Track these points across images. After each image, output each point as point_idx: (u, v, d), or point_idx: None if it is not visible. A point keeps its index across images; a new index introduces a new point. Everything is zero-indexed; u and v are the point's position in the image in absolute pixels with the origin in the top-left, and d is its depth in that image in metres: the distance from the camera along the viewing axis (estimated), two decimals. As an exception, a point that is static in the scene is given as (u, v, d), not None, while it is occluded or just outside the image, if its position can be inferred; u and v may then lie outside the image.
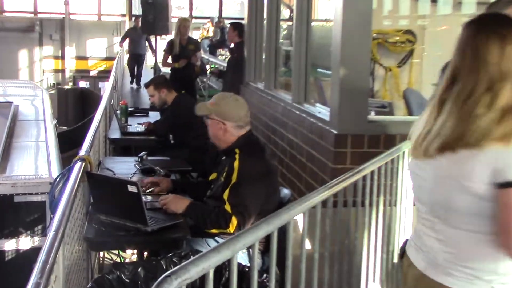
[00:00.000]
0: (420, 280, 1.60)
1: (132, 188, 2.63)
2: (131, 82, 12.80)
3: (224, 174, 2.98)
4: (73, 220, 2.53)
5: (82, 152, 3.11)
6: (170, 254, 2.44)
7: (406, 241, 1.77)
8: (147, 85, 5.32)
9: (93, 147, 3.54)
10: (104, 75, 20.71)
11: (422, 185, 1.62)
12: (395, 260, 2.95)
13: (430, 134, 1.56)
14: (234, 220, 2.80)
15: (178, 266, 1.22)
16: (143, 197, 2.73)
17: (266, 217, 1.63)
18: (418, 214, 1.70)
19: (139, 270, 2.36)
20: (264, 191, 2.90)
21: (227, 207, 2.82)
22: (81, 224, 2.83)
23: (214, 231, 2.87)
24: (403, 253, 1.75)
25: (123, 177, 3.49)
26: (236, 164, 2.91)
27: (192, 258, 1.28)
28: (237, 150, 2.98)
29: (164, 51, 7.58)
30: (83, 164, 2.89)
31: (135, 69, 12.85)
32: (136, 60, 12.69)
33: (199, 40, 9.28)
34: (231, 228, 2.80)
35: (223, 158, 3.16)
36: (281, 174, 5.16)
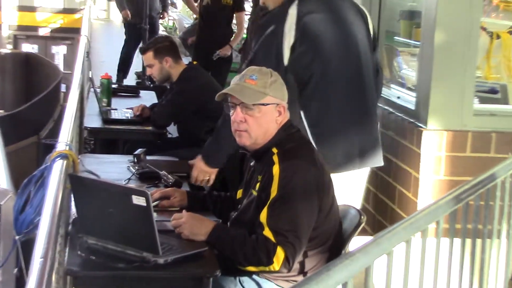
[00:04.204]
0: None
1: (139, 200, 2.67)
2: (122, 76, 10.70)
3: (258, 186, 3.03)
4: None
5: (60, 146, 3.18)
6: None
7: None
8: (144, 50, 5.37)
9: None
10: (60, 35, 20.80)
11: None
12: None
13: None
14: (280, 252, 2.83)
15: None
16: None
17: (363, 246, 1.69)
18: None
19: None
20: (318, 207, 2.95)
21: (268, 233, 2.86)
22: (60, 249, 2.89)
23: (251, 268, 2.91)
24: None
25: (127, 184, 3.55)
26: (275, 169, 2.94)
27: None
28: (274, 150, 3.03)
29: None
30: (66, 163, 2.95)
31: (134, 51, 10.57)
32: (139, 34, 10.42)
33: None
34: (276, 265, 2.83)
35: (252, 163, 3.21)
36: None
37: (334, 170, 3.38)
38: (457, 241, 3.03)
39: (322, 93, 3.58)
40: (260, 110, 3.02)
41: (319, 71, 3.59)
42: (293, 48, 3.56)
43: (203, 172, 3.94)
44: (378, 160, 3.80)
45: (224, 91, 3.10)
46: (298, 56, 3.57)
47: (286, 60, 3.56)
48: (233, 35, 8.68)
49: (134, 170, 3.97)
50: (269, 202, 2.91)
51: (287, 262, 2.84)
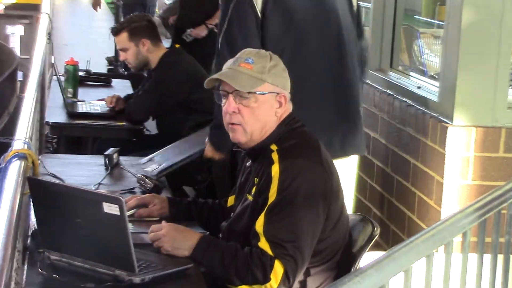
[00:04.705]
0: None
1: (111, 208, 2.68)
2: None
3: (254, 190, 3.05)
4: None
5: (18, 144, 3.18)
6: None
7: None
8: (117, 31, 5.39)
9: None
10: (16, 13, 20.78)
11: None
12: None
13: None
14: (278, 268, 2.84)
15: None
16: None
17: (376, 261, 1.71)
18: None
19: None
20: (324, 215, 2.97)
21: (264, 245, 2.88)
22: (17, 267, 2.89)
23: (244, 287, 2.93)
24: None
25: (97, 190, 3.56)
26: (275, 169, 2.96)
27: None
28: (273, 147, 3.05)
29: None
30: (24, 164, 2.96)
31: None
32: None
33: None
34: (274, 282, 2.85)
35: (248, 163, 3.23)
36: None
37: None
38: (487, 257, 3.05)
39: (296, 69, 3.61)
40: (257, 100, 3.03)
41: (292, 45, 3.68)
42: (263, 14, 3.68)
43: (215, 156, 4.12)
44: (361, 149, 3.97)
45: (214, 76, 3.10)
46: (269, 25, 3.66)
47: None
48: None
49: (106, 173, 4.00)
50: (266, 208, 2.92)
51: (287, 279, 2.85)
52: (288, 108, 3.12)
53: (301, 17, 3.72)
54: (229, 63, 3.12)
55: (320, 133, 3.56)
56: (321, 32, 3.77)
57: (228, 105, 3.05)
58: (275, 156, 3.00)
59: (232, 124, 3.07)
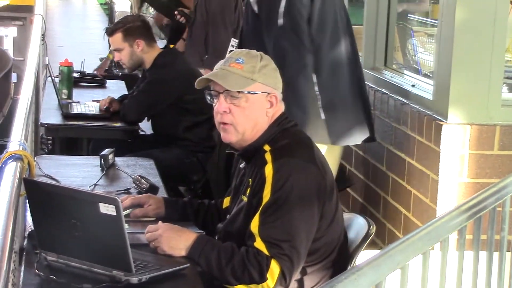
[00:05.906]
0: None
1: (107, 208, 2.69)
2: None
3: (249, 191, 3.07)
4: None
5: (13, 146, 3.18)
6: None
7: None
8: (111, 31, 5.39)
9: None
10: (9, 14, 20.72)
11: None
12: None
13: None
14: (274, 267, 2.87)
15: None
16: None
17: (372, 259, 1.71)
18: None
19: None
20: (319, 214, 2.99)
21: (260, 245, 2.90)
22: (14, 268, 2.90)
23: (241, 287, 2.93)
24: None
25: (93, 191, 3.56)
26: (268, 169, 2.99)
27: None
28: (266, 147, 3.06)
29: None
30: (20, 165, 2.96)
31: None
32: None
33: None
34: (270, 282, 2.87)
35: (242, 165, 3.24)
36: (341, 195, 5.24)
37: (335, 142, 4.11)
38: (483, 254, 3.06)
39: (332, 59, 4.12)
40: (247, 99, 3.05)
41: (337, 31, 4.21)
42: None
43: None
44: (370, 136, 4.38)
45: (205, 76, 3.12)
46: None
47: None
48: None
49: (102, 174, 4.00)
50: (261, 208, 2.94)
51: (283, 278, 2.87)
52: (280, 108, 3.13)
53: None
54: (220, 63, 3.13)
55: (349, 118, 4.15)
56: (346, 26, 4.38)
57: (219, 105, 3.06)
58: (268, 157, 3.02)
59: (224, 124, 3.08)
